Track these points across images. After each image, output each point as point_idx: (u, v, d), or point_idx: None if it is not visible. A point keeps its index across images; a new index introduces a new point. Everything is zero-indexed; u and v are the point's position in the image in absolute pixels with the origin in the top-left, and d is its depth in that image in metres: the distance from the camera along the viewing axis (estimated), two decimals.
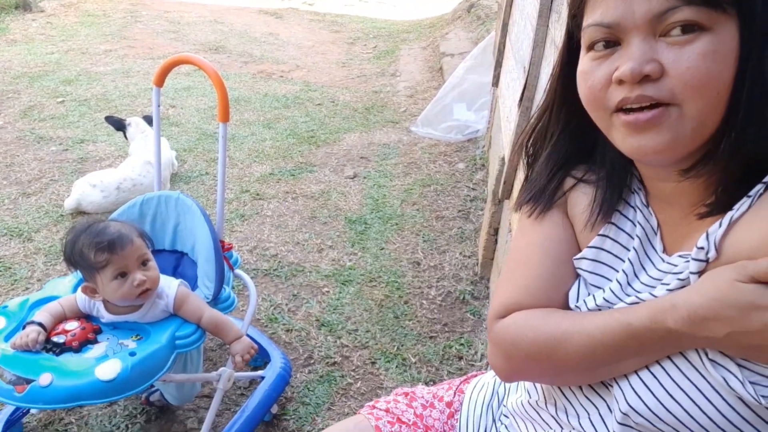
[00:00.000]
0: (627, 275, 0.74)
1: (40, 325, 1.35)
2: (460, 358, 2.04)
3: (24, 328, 1.35)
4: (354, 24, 7.25)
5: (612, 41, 0.65)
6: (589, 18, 0.66)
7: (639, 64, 0.61)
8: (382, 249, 2.65)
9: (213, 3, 7.92)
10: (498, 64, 2.88)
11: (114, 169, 2.93)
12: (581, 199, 0.81)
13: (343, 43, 6.44)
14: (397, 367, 1.98)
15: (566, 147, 0.81)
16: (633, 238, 0.76)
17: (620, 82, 0.63)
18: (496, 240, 2.35)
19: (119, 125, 3.22)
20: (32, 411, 1.71)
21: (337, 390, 1.89)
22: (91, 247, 1.33)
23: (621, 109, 0.65)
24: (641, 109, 0.63)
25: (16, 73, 4.68)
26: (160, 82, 1.71)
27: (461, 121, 3.77)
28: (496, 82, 2.95)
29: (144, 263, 1.40)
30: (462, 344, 2.10)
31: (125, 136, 3.23)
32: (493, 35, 3.76)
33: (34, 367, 1.26)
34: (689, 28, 0.59)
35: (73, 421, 1.73)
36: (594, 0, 0.66)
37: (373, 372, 1.97)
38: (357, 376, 1.94)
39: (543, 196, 0.83)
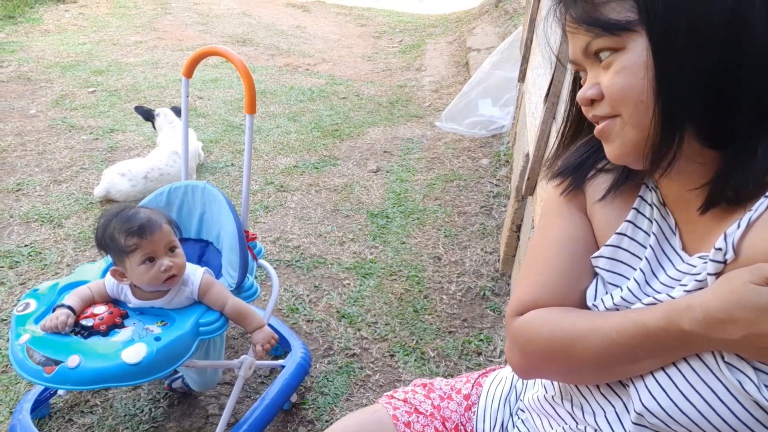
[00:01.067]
0: (645, 274, 0.74)
1: (70, 308, 1.38)
2: (479, 354, 2.04)
3: (54, 311, 1.39)
4: (380, 18, 7.25)
5: (584, 70, 0.74)
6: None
7: (583, 92, 0.71)
8: (403, 243, 2.66)
9: None
10: (524, 60, 2.86)
11: (142, 159, 2.99)
12: (599, 189, 0.82)
13: (369, 36, 6.44)
14: (415, 360, 1.99)
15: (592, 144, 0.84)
16: (650, 236, 0.76)
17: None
18: (518, 237, 2.33)
19: (148, 115, 3.28)
20: (59, 392, 1.76)
21: (356, 381, 1.90)
22: (122, 232, 1.37)
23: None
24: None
25: (48, 63, 4.79)
26: (189, 73, 1.74)
27: (486, 117, 3.75)
28: (522, 78, 2.93)
29: (171, 249, 1.43)
30: (481, 340, 2.10)
31: (154, 127, 3.29)
32: (520, 30, 3.73)
33: (62, 349, 1.30)
34: (606, 52, 0.67)
35: (99, 403, 1.78)
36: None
37: (391, 365, 1.98)
38: (376, 368, 1.96)
39: (576, 170, 0.85)
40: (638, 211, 0.78)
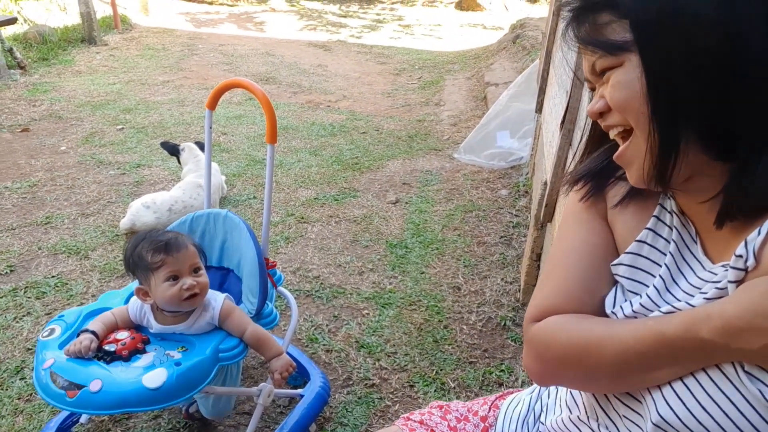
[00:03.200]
0: (664, 281, 0.74)
1: (94, 333, 1.41)
2: (500, 385, 2.01)
3: (78, 335, 1.41)
4: (400, 56, 7.40)
5: (596, 88, 0.77)
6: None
7: (591, 106, 0.75)
8: (422, 273, 2.66)
9: (265, 36, 8.26)
10: (541, 91, 2.89)
11: (167, 192, 3.06)
12: (618, 196, 0.82)
13: (389, 74, 6.57)
14: (435, 391, 1.97)
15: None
16: (670, 243, 0.76)
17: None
18: (538, 266, 2.32)
19: (173, 150, 3.37)
20: (81, 420, 1.77)
21: (375, 412, 1.88)
22: (149, 248, 1.42)
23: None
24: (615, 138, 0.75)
25: (80, 102, 4.97)
26: (212, 105, 1.80)
27: (504, 149, 3.77)
28: (539, 109, 2.96)
29: (195, 270, 1.46)
30: (502, 371, 2.07)
31: (179, 161, 3.37)
32: (537, 63, 3.77)
33: (85, 374, 1.32)
34: (607, 70, 0.71)
35: None
36: None
37: (411, 395, 1.96)
38: (395, 399, 1.94)
39: (595, 176, 0.86)
40: (658, 219, 0.79)
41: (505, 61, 6.08)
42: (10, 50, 5.69)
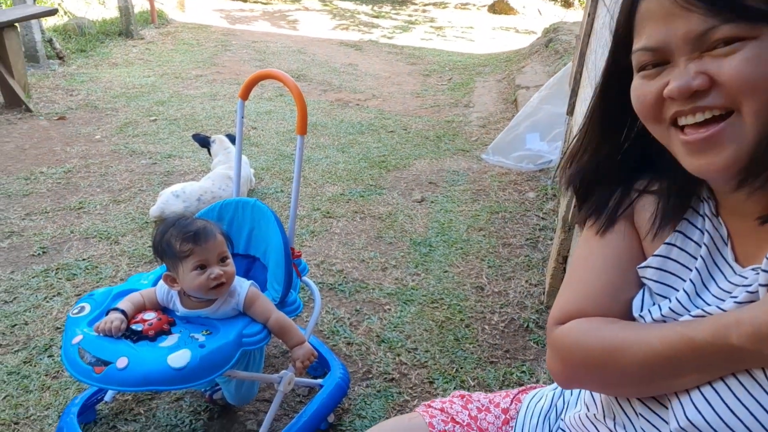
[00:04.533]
0: (695, 285, 0.72)
1: (123, 312, 1.44)
2: (521, 386, 1.98)
3: (107, 314, 1.44)
4: (431, 57, 7.39)
5: (660, 62, 0.68)
6: (637, 43, 0.70)
7: (686, 81, 0.63)
8: (445, 272, 2.65)
9: (298, 34, 8.33)
10: (573, 93, 2.86)
11: (196, 182, 3.11)
12: (647, 207, 0.80)
13: (419, 74, 6.57)
14: (455, 388, 1.96)
15: (615, 163, 0.82)
16: (700, 247, 0.74)
17: (671, 98, 0.66)
18: (564, 269, 2.29)
19: (204, 142, 3.42)
20: (106, 399, 1.81)
21: (394, 406, 1.88)
22: (178, 237, 1.43)
23: (676, 122, 0.67)
24: (700, 124, 0.65)
25: (115, 93, 5.08)
26: (245, 95, 1.82)
27: (534, 151, 3.73)
28: (570, 111, 2.93)
29: (223, 260, 1.48)
30: (523, 372, 2.05)
31: (209, 153, 3.42)
32: (570, 66, 3.73)
33: (112, 351, 1.35)
34: (731, 41, 0.61)
35: (142, 412, 1.82)
36: (640, 25, 0.69)
37: (430, 391, 1.95)
38: (414, 394, 1.93)
39: (604, 213, 0.82)
40: (689, 222, 0.77)
41: (537, 65, 6.02)
42: (50, 41, 5.85)
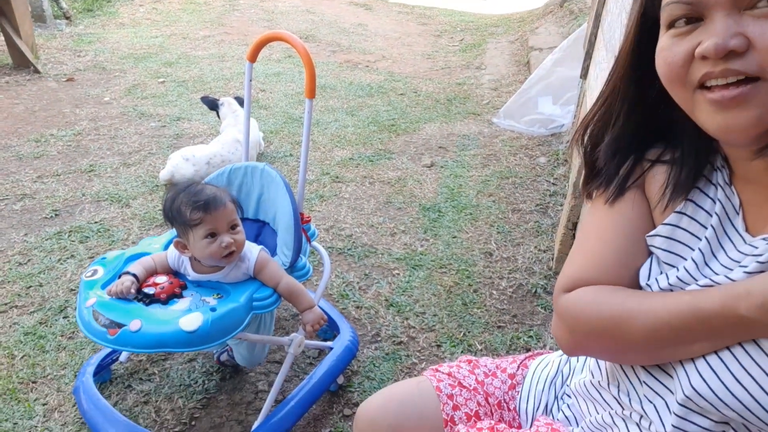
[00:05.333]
0: (704, 254, 0.72)
1: (134, 276, 1.46)
2: (528, 350, 2.01)
3: (119, 277, 1.46)
4: (442, 17, 7.23)
5: (693, 17, 0.64)
6: None
7: (723, 39, 0.60)
8: (454, 237, 2.65)
9: None
10: (588, 56, 2.79)
11: (205, 146, 3.10)
12: (659, 177, 0.79)
13: (430, 35, 6.44)
14: (462, 352, 1.98)
15: (633, 131, 0.79)
16: (711, 216, 0.73)
17: (703, 57, 0.62)
18: (574, 235, 2.29)
19: (213, 105, 3.40)
20: (120, 359, 1.85)
21: (402, 368, 1.92)
22: (188, 205, 1.43)
23: (704, 85, 0.64)
24: (727, 85, 0.62)
25: (123, 54, 5.04)
26: (253, 57, 1.80)
27: (546, 115, 3.68)
28: (584, 74, 2.87)
29: (233, 227, 1.48)
30: (530, 336, 2.07)
31: (218, 115, 3.40)
32: (585, 27, 3.64)
33: (126, 314, 1.37)
34: None
35: (156, 372, 1.86)
36: None
37: (438, 354, 1.98)
38: (422, 357, 1.96)
39: (614, 183, 0.81)
40: (701, 190, 0.76)
41: (551, 26, 5.88)
42: (56, 0, 5.77)
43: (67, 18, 5.82)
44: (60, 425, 1.65)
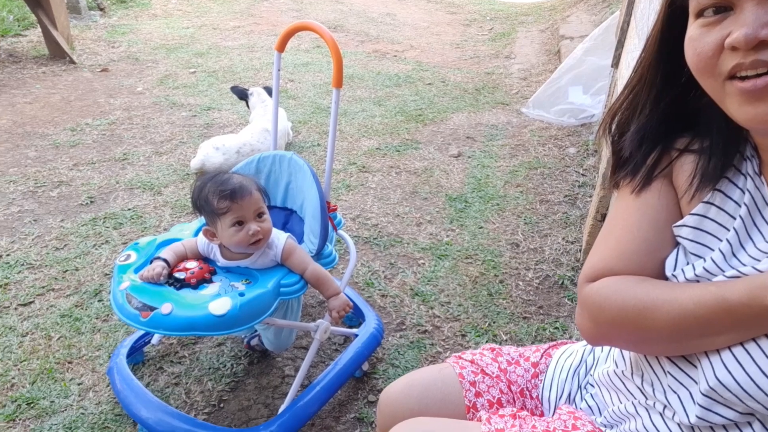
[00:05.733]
0: (731, 245, 0.71)
1: (165, 261, 1.50)
2: (553, 341, 2.00)
3: (151, 262, 1.51)
4: (471, 6, 7.16)
5: (723, 6, 0.63)
6: None
7: (754, 29, 0.59)
8: (480, 228, 2.64)
9: None
10: (620, 44, 2.74)
11: (235, 135, 3.15)
12: (686, 167, 0.78)
13: (459, 24, 6.39)
14: (486, 341, 1.99)
15: (660, 120, 0.79)
16: (740, 206, 0.72)
17: (733, 48, 0.61)
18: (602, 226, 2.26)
19: (242, 95, 3.44)
20: (152, 342, 1.91)
21: (426, 357, 1.93)
22: (215, 194, 1.46)
23: (734, 75, 0.63)
24: (758, 75, 0.61)
25: (155, 45, 5.12)
26: (281, 47, 1.82)
27: (576, 105, 3.63)
28: (616, 63, 2.82)
29: (259, 215, 1.50)
30: (556, 328, 2.06)
31: (247, 105, 3.45)
32: (617, 15, 3.57)
33: (157, 297, 1.41)
34: None
35: (186, 355, 1.91)
36: None
37: (462, 344, 1.99)
38: (447, 346, 1.97)
39: (641, 172, 0.80)
40: (730, 180, 0.75)
41: (583, 14, 5.77)
42: None
43: (101, 9, 5.93)
44: (94, 404, 1.71)
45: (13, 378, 1.79)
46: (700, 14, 0.66)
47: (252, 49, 5.18)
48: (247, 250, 1.52)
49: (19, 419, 1.66)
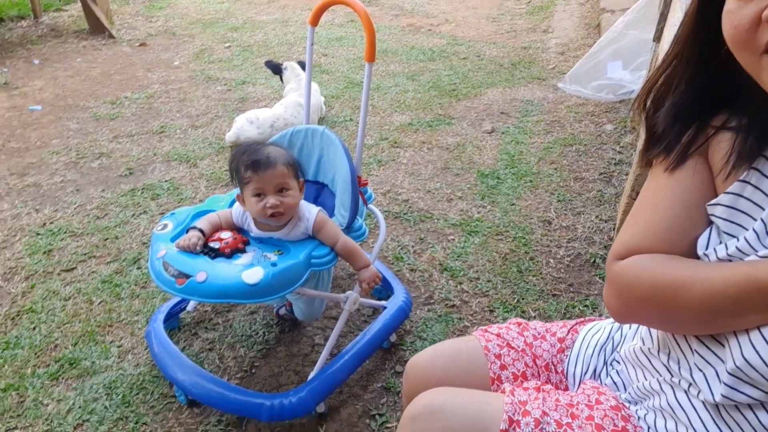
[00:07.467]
0: (766, 224, 0.69)
1: (201, 231, 1.54)
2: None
3: (187, 232, 1.55)
4: None
5: None
6: None
7: None
8: (512, 204, 2.63)
9: None
10: (662, 18, 2.65)
11: (269, 109, 3.18)
12: (723, 145, 0.76)
13: None
14: (515, 317, 1.99)
15: (697, 96, 0.77)
16: None
17: None
18: None
19: (276, 69, 3.46)
20: (188, 308, 1.97)
21: (453, 330, 1.94)
22: (243, 164, 1.50)
23: None
24: None
25: (191, 20, 5.17)
26: (315, 21, 1.82)
27: (615, 80, 3.53)
28: (657, 38, 2.73)
29: (281, 191, 1.52)
30: (586, 306, 2.04)
31: (281, 80, 3.47)
32: None
33: (192, 266, 1.46)
34: None
35: (220, 322, 1.97)
36: None
37: (490, 319, 1.99)
38: (474, 321, 1.98)
39: (676, 150, 0.79)
40: (767, 159, 0.73)
41: None
42: None
43: None
44: (133, 366, 1.79)
45: (56, 339, 1.88)
46: None
47: (286, 23, 5.18)
48: (268, 221, 1.55)
49: (62, 378, 1.75)
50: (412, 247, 2.35)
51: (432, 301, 2.07)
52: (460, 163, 2.97)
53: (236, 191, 1.71)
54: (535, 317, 1.99)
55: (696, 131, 0.78)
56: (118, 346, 1.86)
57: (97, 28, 4.71)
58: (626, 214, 2.25)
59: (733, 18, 0.65)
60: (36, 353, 1.83)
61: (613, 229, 2.41)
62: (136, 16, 5.22)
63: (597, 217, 2.53)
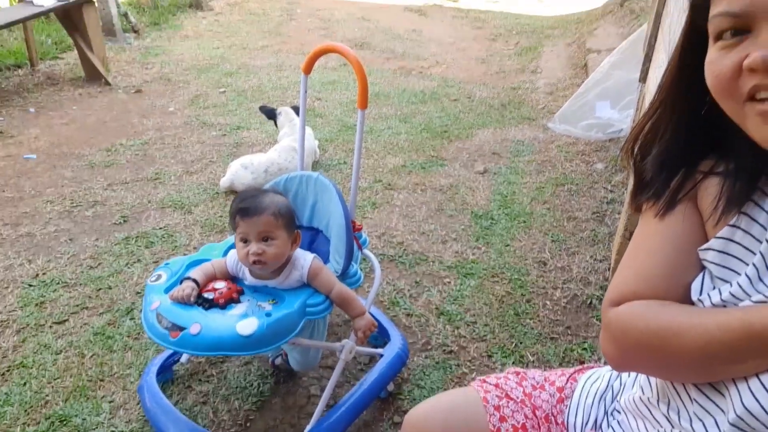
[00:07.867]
0: (758, 269, 0.70)
1: (195, 281, 1.53)
2: (581, 362, 1.97)
3: (181, 282, 1.54)
4: (497, 20, 7.17)
5: (740, 29, 0.63)
6: (717, 7, 0.65)
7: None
8: (507, 246, 2.63)
9: (362, 0, 8.27)
10: (647, 59, 2.71)
11: (263, 154, 3.20)
12: (711, 190, 0.77)
13: (485, 39, 6.40)
14: (513, 363, 1.97)
15: (684, 143, 0.78)
16: (766, 230, 0.71)
17: (751, 70, 0.61)
18: None
19: (271, 114, 3.51)
20: (181, 360, 1.94)
21: (452, 378, 1.92)
22: (234, 208, 1.52)
23: (753, 97, 0.63)
24: None
25: (186, 66, 5.26)
26: (307, 69, 1.85)
27: (603, 120, 3.59)
28: (643, 78, 2.79)
29: (265, 239, 1.51)
30: (584, 349, 2.02)
31: (276, 124, 3.51)
32: (645, 28, 3.53)
33: (186, 317, 1.44)
34: None
35: (214, 374, 1.94)
36: None
37: (488, 365, 1.97)
38: (473, 367, 1.96)
39: (665, 195, 0.79)
40: (756, 203, 0.73)
41: (610, 26, 5.73)
42: (125, 14, 6.09)
43: (136, 32, 6.12)
44: (125, 422, 1.75)
45: (47, 395, 1.84)
46: (719, 37, 0.66)
47: (280, 68, 5.27)
48: (253, 268, 1.55)
49: None
50: (408, 290, 2.33)
51: (429, 347, 2.04)
52: (454, 205, 2.98)
53: (232, 238, 1.71)
54: (534, 362, 1.97)
55: (684, 177, 0.79)
56: (110, 402, 1.82)
57: (93, 75, 4.78)
58: (620, 254, 2.26)
59: (715, 68, 0.66)
60: (26, 410, 1.79)
61: (608, 269, 2.41)
62: (132, 63, 5.30)
63: (591, 257, 2.53)
